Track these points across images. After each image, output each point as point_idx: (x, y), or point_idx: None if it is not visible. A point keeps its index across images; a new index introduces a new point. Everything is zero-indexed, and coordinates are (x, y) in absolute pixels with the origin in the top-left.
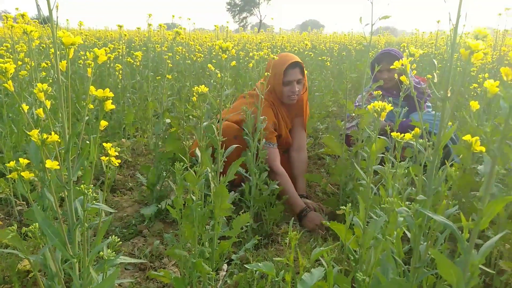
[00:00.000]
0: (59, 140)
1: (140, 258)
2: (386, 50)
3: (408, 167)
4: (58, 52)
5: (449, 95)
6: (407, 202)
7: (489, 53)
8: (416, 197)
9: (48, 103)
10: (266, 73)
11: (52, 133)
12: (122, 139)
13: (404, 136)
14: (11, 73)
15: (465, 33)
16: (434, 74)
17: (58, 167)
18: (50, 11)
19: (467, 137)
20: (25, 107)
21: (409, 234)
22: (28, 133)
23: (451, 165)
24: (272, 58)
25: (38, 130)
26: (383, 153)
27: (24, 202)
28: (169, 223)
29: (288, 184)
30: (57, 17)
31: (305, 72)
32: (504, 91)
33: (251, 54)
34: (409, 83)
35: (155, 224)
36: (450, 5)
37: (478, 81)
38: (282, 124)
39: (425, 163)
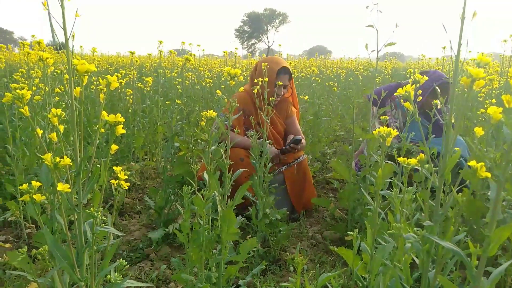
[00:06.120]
0: (71, 164)
1: (147, 282)
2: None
3: (415, 192)
4: (72, 79)
5: (453, 121)
6: (416, 228)
7: (495, 79)
8: (424, 222)
9: (61, 128)
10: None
11: (65, 156)
12: (131, 163)
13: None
14: (27, 99)
15: (471, 59)
16: (438, 101)
17: (69, 190)
18: (67, 40)
19: (472, 163)
20: (39, 131)
21: (417, 261)
22: (41, 156)
23: (461, 190)
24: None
25: (51, 154)
26: (391, 178)
27: (33, 225)
28: (176, 247)
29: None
30: (72, 46)
31: (292, 76)
32: (506, 118)
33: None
34: (413, 109)
35: (162, 248)
36: (452, 34)
37: (485, 106)
38: (254, 112)
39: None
